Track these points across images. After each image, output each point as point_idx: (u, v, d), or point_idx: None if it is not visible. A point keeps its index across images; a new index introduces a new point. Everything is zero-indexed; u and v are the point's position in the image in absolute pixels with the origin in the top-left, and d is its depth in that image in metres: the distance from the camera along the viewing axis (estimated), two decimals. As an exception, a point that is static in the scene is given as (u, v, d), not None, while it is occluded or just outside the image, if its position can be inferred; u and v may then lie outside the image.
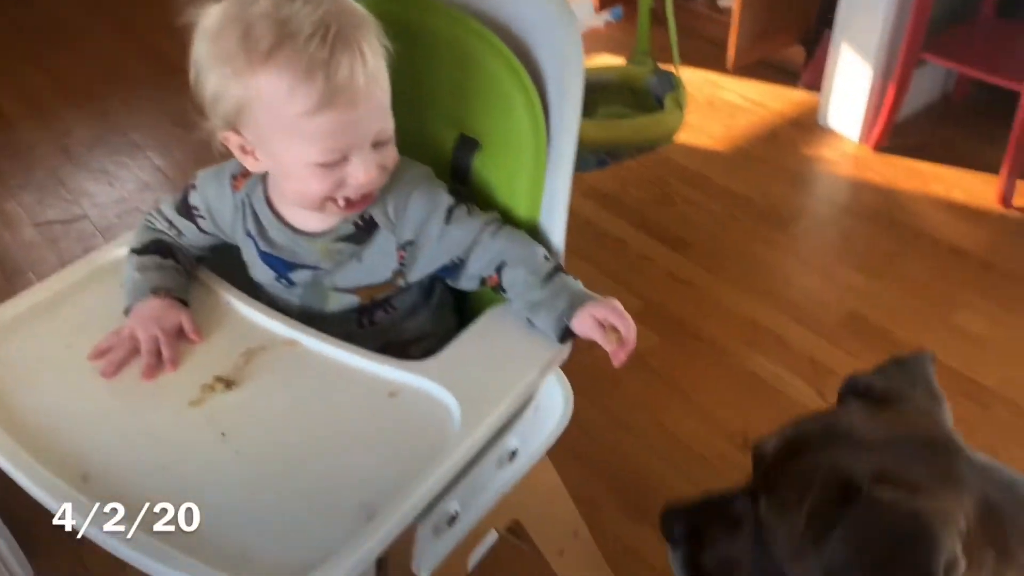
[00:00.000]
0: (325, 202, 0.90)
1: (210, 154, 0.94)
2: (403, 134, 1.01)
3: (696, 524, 0.81)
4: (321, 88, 0.81)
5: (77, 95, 2.84)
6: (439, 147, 1.02)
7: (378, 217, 0.95)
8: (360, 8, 0.88)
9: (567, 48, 0.91)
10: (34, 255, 2.21)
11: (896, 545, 0.63)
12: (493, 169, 0.99)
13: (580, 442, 1.66)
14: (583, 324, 0.89)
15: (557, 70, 0.92)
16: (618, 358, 0.89)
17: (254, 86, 0.83)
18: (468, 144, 0.99)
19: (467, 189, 1.01)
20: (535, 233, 0.97)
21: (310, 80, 0.81)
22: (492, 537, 0.97)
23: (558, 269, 0.94)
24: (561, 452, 1.63)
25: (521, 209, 0.97)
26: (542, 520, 1.06)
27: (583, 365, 1.80)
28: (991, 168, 2.30)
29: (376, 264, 0.96)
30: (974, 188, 2.31)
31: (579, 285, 0.93)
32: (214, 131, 0.90)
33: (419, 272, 0.97)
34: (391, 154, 0.91)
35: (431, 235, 0.94)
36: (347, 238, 0.95)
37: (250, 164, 0.92)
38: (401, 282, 0.97)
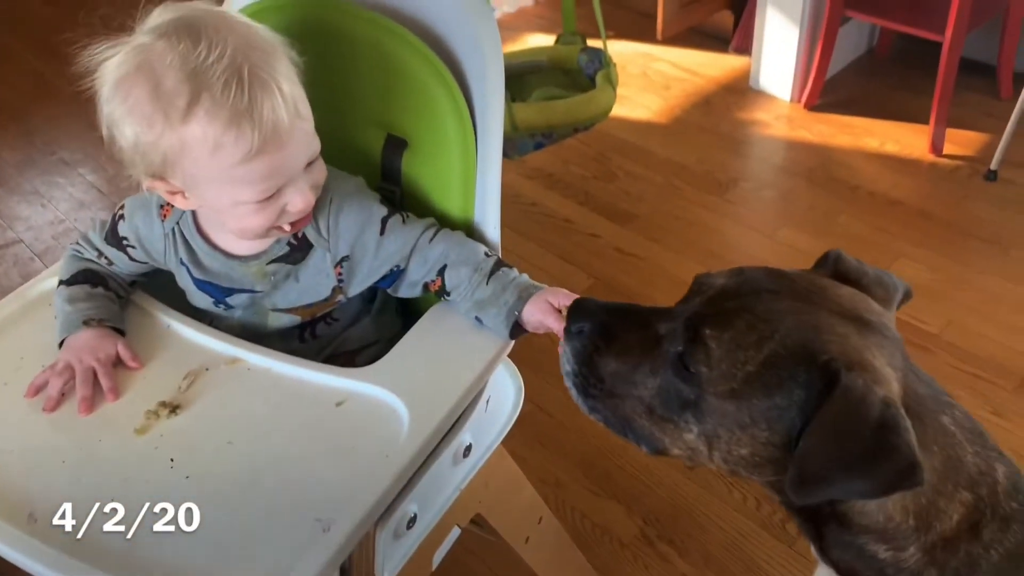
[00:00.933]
0: (269, 231, 0.89)
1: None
2: (331, 138, 1.00)
3: (608, 325, 0.75)
4: (249, 137, 0.80)
5: (1, 117, 2.76)
6: (368, 148, 1.01)
7: (311, 236, 0.94)
8: (264, 32, 0.86)
9: (486, 43, 0.91)
10: (-30, 284, 2.16)
11: (875, 432, 0.63)
12: (422, 167, 0.98)
13: (543, 424, 1.68)
14: (536, 310, 0.88)
15: (478, 65, 0.92)
16: None
17: (177, 141, 0.81)
18: (396, 143, 0.99)
19: (399, 189, 1.01)
20: (470, 227, 0.97)
21: (237, 130, 0.79)
22: (455, 533, 0.97)
23: (500, 264, 0.93)
24: (525, 435, 1.65)
25: (454, 204, 0.97)
26: (504, 511, 1.07)
27: (542, 348, 1.82)
28: (920, 118, 2.35)
29: (314, 283, 0.95)
30: (905, 139, 2.36)
31: (525, 277, 0.92)
32: (139, 178, 0.88)
33: (359, 286, 0.96)
34: (321, 171, 0.90)
35: (367, 248, 0.94)
36: (281, 259, 0.94)
37: (180, 203, 0.90)
38: (341, 297, 0.96)
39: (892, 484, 0.64)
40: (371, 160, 1.00)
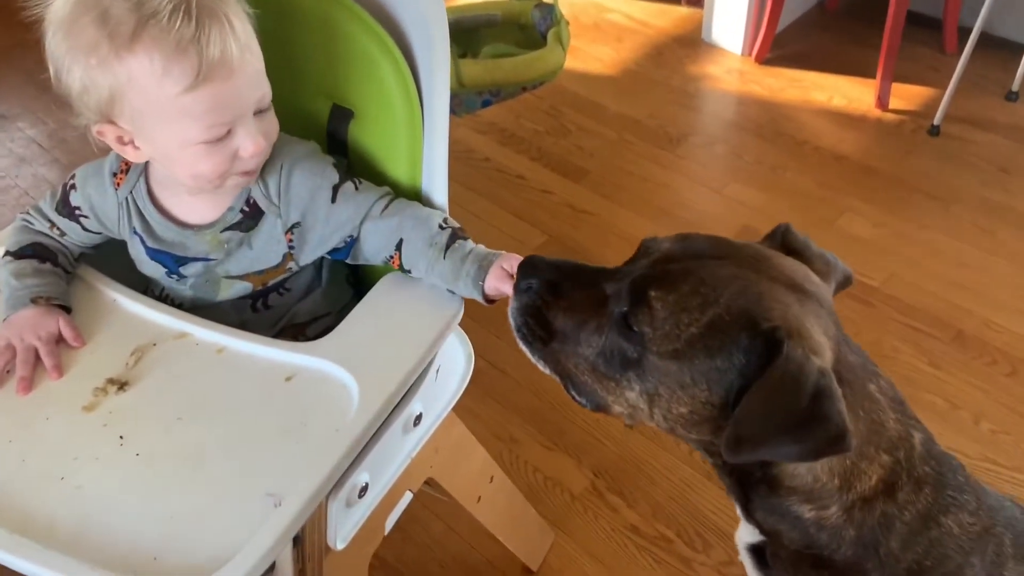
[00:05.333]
0: (225, 178, 0.88)
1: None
2: (278, 109, 0.99)
3: (556, 283, 0.78)
4: (195, 63, 0.79)
5: (-68, 68, 2.66)
6: (313, 118, 1.00)
7: (261, 202, 0.93)
8: None
9: (431, 11, 0.90)
10: (-92, 246, 2.10)
11: (810, 399, 0.66)
12: (369, 137, 0.98)
13: (495, 381, 1.71)
14: (493, 279, 0.89)
15: (423, 35, 0.91)
16: None
17: (124, 73, 0.80)
18: (342, 114, 0.98)
19: (346, 160, 1.00)
20: (418, 195, 0.97)
21: (183, 57, 0.79)
22: (408, 497, 1.00)
23: (456, 236, 0.92)
24: (479, 392, 1.67)
25: (402, 173, 0.97)
26: (455, 474, 1.09)
27: (493, 306, 1.83)
28: (868, 72, 2.38)
29: (266, 249, 0.95)
30: (852, 94, 2.39)
31: (481, 248, 0.92)
32: (88, 125, 0.87)
33: (310, 254, 0.96)
34: (272, 123, 0.90)
35: (318, 216, 0.93)
36: (235, 226, 0.94)
37: (130, 155, 0.89)
38: (292, 265, 0.96)
39: (822, 450, 0.68)
40: (317, 131, 1.00)
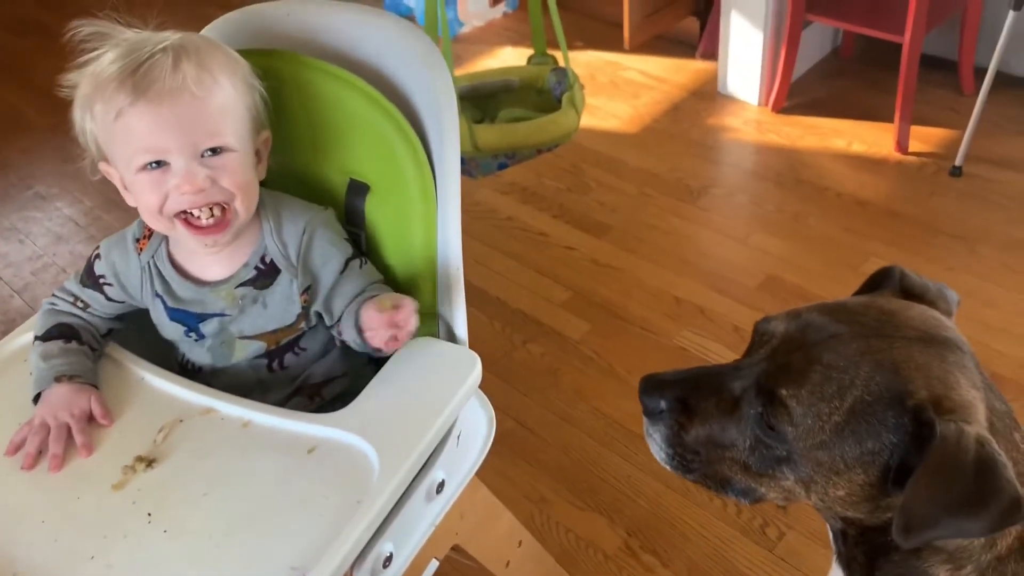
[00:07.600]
0: (172, 220, 0.91)
1: (120, 196, 0.96)
2: (299, 181, 1.03)
3: (683, 399, 0.75)
4: (130, 87, 0.85)
5: (-25, 152, 2.77)
6: (332, 192, 1.04)
7: (279, 261, 0.97)
8: (220, 45, 0.92)
9: (438, 86, 0.94)
10: (-49, 325, 2.16)
11: (976, 474, 0.63)
12: (385, 209, 1.01)
13: (524, 441, 1.70)
14: (366, 318, 0.92)
15: (433, 109, 0.95)
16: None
17: (95, 112, 0.88)
18: (358, 188, 1.01)
19: (363, 232, 1.03)
20: (433, 262, 1.00)
21: (122, 83, 0.85)
22: (433, 565, 1.00)
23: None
24: (508, 453, 1.67)
25: (417, 243, 0.99)
26: (482, 540, 1.09)
27: (520, 364, 1.84)
28: (885, 117, 2.39)
29: (280, 309, 0.98)
30: (871, 138, 2.39)
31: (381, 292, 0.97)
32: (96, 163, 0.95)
33: (314, 316, 0.99)
34: (231, 172, 0.90)
35: (325, 283, 0.97)
36: (249, 282, 0.97)
37: (128, 199, 0.94)
38: (303, 325, 0.99)
39: (999, 523, 0.65)
40: (336, 204, 1.03)
